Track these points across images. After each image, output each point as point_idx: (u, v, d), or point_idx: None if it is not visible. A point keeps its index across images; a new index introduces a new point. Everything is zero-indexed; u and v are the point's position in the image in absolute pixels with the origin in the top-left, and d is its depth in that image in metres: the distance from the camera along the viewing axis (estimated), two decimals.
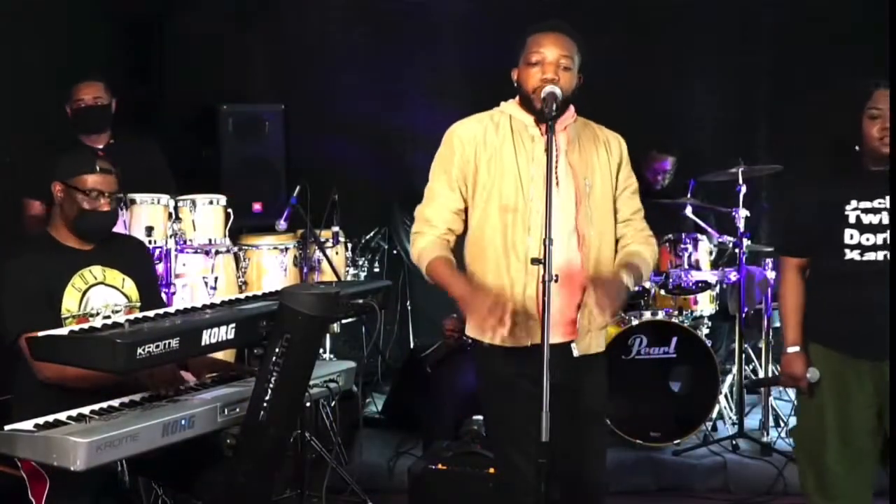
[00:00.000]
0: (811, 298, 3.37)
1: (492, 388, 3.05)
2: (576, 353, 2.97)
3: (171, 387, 3.03)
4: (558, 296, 2.84)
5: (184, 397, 2.99)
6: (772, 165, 5.68)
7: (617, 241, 3.08)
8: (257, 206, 5.64)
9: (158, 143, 5.08)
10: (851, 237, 3.20)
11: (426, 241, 3.00)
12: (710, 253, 5.47)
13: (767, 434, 5.13)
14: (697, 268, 5.35)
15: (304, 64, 6.55)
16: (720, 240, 5.45)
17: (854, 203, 3.21)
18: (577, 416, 2.99)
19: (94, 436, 2.54)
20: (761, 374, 5.36)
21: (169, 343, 2.55)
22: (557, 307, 2.85)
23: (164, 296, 3.94)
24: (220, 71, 6.33)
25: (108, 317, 3.22)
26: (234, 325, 2.71)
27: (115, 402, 2.91)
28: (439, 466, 4.13)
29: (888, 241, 3.17)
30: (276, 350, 2.72)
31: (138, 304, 3.37)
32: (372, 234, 5.92)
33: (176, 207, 4.65)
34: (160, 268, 4.38)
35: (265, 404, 2.74)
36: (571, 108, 3.02)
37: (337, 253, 5.17)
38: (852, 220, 3.21)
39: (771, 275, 5.26)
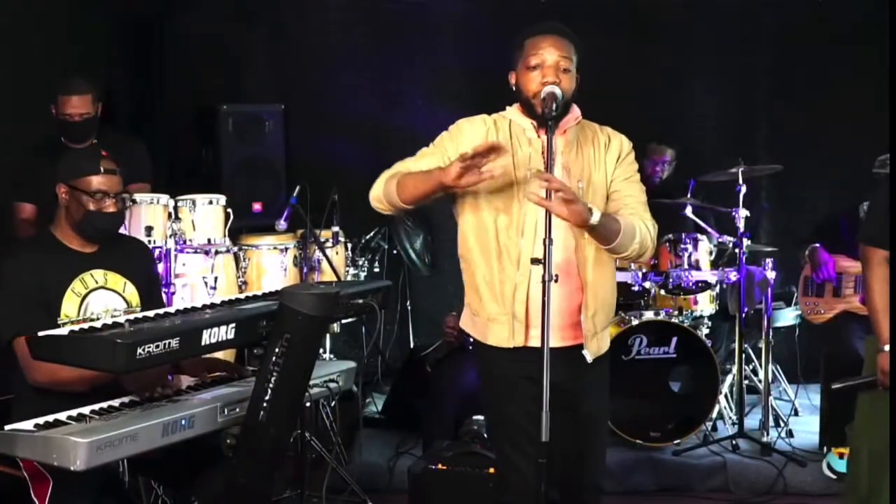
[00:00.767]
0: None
1: (492, 387, 3.05)
2: (589, 359, 2.97)
3: (155, 390, 3.01)
4: (557, 298, 2.83)
5: (184, 397, 2.99)
6: (772, 165, 5.68)
7: None
8: (257, 206, 5.63)
9: (155, 142, 5.07)
10: None
11: (389, 171, 3.00)
12: (710, 253, 5.47)
13: (767, 434, 5.13)
14: (697, 268, 5.34)
15: (304, 64, 6.55)
16: (720, 240, 5.45)
17: None
18: (580, 418, 2.99)
19: (94, 436, 2.53)
20: (761, 375, 5.36)
21: (169, 343, 2.54)
22: (557, 310, 2.85)
23: (164, 298, 3.91)
24: (220, 71, 6.33)
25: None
26: (234, 325, 2.71)
27: (115, 402, 2.91)
28: (439, 466, 4.13)
29: None
30: (276, 350, 2.72)
31: (138, 310, 3.35)
32: (372, 234, 5.92)
33: (176, 207, 4.65)
34: (160, 268, 4.38)
35: (265, 404, 2.74)
36: (576, 109, 3.01)
37: (337, 253, 5.17)
38: None
39: (771, 275, 5.27)
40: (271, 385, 2.73)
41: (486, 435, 4.38)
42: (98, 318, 3.19)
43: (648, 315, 5.25)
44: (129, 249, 3.46)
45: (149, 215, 4.49)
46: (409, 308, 6.61)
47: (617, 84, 6.25)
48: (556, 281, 2.69)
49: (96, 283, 3.27)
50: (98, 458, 2.53)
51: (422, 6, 6.61)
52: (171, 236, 4.56)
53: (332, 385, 3.28)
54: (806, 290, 5.36)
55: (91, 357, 2.51)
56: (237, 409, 2.90)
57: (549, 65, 2.89)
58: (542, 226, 2.77)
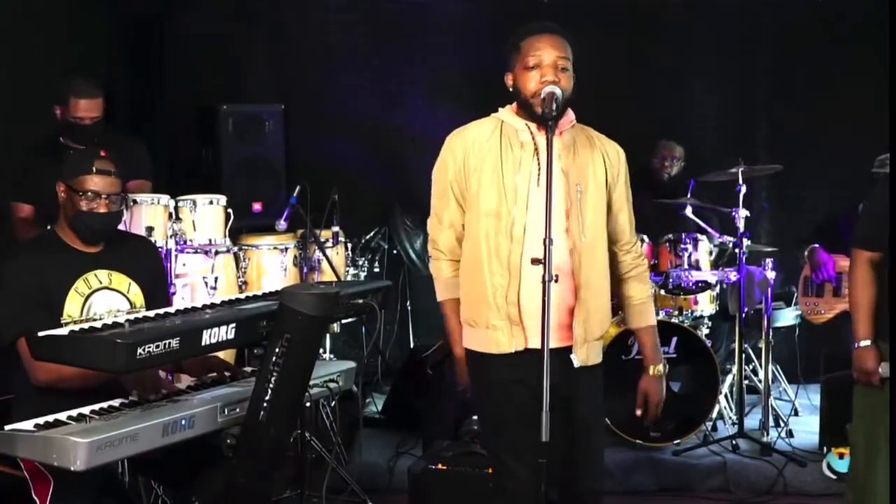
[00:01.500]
0: (882, 294, 3.30)
1: (485, 394, 3.04)
2: (576, 364, 2.96)
3: (153, 392, 3.01)
4: (552, 298, 2.83)
5: (184, 397, 2.99)
6: (772, 165, 5.68)
7: (613, 263, 3.09)
8: (257, 206, 5.63)
9: (155, 142, 5.06)
10: None
11: (444, 271, 3.13)
12: (710, 253, 5.47)
13: (767, 434, 5.13)
14: (697, 268, 5.34)
15: (304, 64, 6.55)
16: (720, 240, 5.45)
17: None
18: (572, 424, 2.98)
19: (94, 436, 2.54)
20: (761, 375, 5.36)
21: (169, 343, 2.54)
22: (554, 309, 2.84)
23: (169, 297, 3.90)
24: (220, 71, 6.32)
25: None
26: (234, 325, 2.71)
27: (116, 402, 2.91)
28: (439, 466, 4.13)
29: None
30: (276, 350, 2.72)
31: (142, 311, 3.34)
32: (372, 234, 5.92)
33: (176, 207, 4.64)
34: None
35: (265, 404, 2.74)
36: (570, 112, 3.01)
37: (337, 253, 5.17)
38: None
39: (771, 275, 5.26)
40: (271, 385, 2.73)
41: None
42: (100, 319, 3.18)
43: None
44: (135, 249, 3.45)
45: (149, 216, 4.49)
46: (409, 308, 6.61)
47: (617, 84, 6.26)
48: (556, 281, 2.69)
49: (100, 283, 3.26)
50: (98, 458, 2.53)
51: (422, 6, 6.61)
52: (171, 236, 4.55)
53: (332, 385, 3.29)
54: (806, 290, 5.37)
55: (91, 357, 2.51)
56: (237, 409, 2.90)
57: (547, 64, 2.89)
58: (533, 229, 2.79)
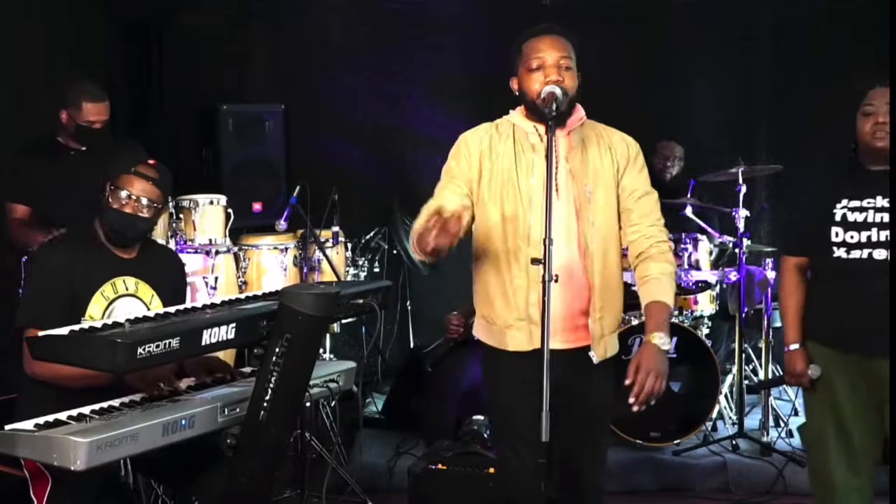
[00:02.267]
0: (809, 297, 3.42)
1: (495, 389, 3.07)
2: (595, 360, 2.96)
3: (162, 388, 3.01)
4: (562, 301, 2.86)
5: (184, 397, 2.99)
6: (772, 165, 5.68)
7: (629, 245, 3.05)
8: (257, 206, 5.63)
9: (156, 143, 5.05)
10: (837, 235, 3.25)
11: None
12: (710, 253, 5.47)
13: (767, 434, 5.13)
14: (697, 268, 5.35)
15: (304, 64, 6.55)
16: (720, 240, 5.45)
17: (845, 202, 3.26)
18: (582, 420, 2.99)
19: (95, 436, 2.54)
20: (761, 375, 5.37)
21: (169, 343, 2.55)
22: (561, 313, 2.88)
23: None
24: (220, 71, 6.32)
25: None
26: (234, 325, 2.71)
27: (116, 402, 2.91)
28: (439, 466, 4.13)
29: (872, 240, 3.20)
30: (276, 350, 2.72)
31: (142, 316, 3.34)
32: (372, 234, 5.92)
33: (176, 207, 4.64)
34: None
35: (265, 404, 2.74)
36: (580, 110, 3.01)
37: (337, 253, 5.17)
38: (838, 217, 3.25)
39: (771, 275, 5.26)
40: (271, 385, 2.73)
41: (486, 435, 4.39)
42: None
43: None
44: (164, 262, 3.48)
45: None
46: (409, 308, 6.61)
47: (617, 84, 6.25)
48: (556, 281, 2.69)
49: (126, 289, 3.27)
50: (98, 458, 2.53)
51: (422, 6, 6.61)
52: (171, 236, 4.56)
53: (332, 385, 3.29)
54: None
55: (91, 357, 2.51)
56: (237, 409, 2.91)
57: (549, 64, 2.90)
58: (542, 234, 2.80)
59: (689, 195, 5.55)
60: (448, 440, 4.47)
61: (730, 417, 5.39)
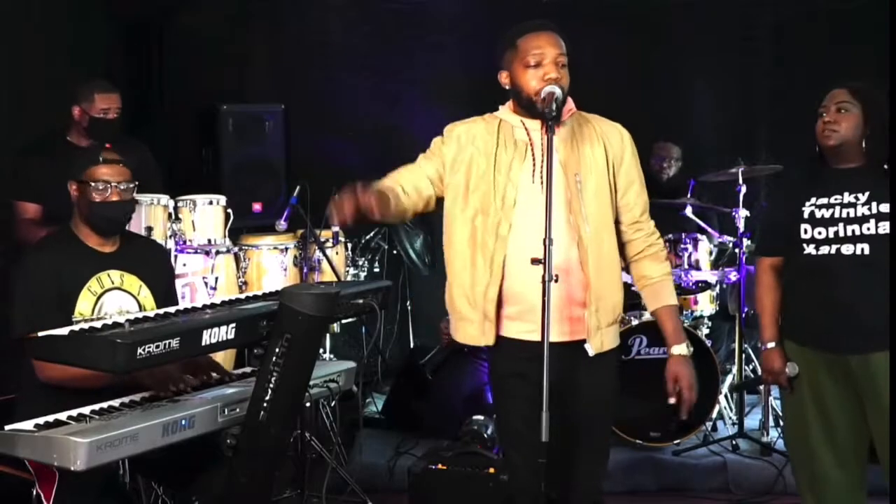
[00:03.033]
0: (784, 296, 3.45)
1: (495, 386, 3.09)
2: (591, 353, 2.95)
3: (173, 386, 3.02)
4: (556, 293, 2.83)
5: (184, 397, 2.99)
6: (772, 165, 5.68)
7: (624, 244, 3.05)
8: (257, 206, 5.63)
9: (156, 143, 5.05)
10: (805, 231, 3.28)
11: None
12: (710, 253, 5.47)
13: (767, 434, 5.13)
14: (697, 268, 5.35)
15: (304, 64, 6.55)
16: (720, 240, 5.45)
17: (813, 199, 3.30)
18: (578, 417, 2.97)
19: (95, 436, 2.54)
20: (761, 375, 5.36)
21: (169, 343, 2.55)
22: (556, 305, 2.84)
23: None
24: (220, 71, 6.33)
25: None
26: (234, 325, 2.71)
27: (116, 402, 2.92)
28: (439, 466, 4.13)
29: (840, 235, 3.23)
30: (276, 350, 2.72)
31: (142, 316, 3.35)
32: (372, 234, 5.93)
33: (176, 207, 4.64)
34: None
35: (265, 404, 2.75)
36: (570, 101, 3.00)
37: (337, 253, 5.17)
38: (806, 214, 3.29)
39: None
40: (271, 385, 2.73)
41: (486, 435, 4.39)
42: (110, 318, 3.18)
43: (648, 315, 5.24)
44: (147, 251, 3.50)
45: (149, 216, 4.49)
46: (409, 308, 6.61)
47: (617, 84, 6.25)
48: (556, 281, 2.69)
49: (112, 283, 3.28)
50: (98, 458, 2.53)
51: (422, 6, 6.61)
52: (171, 236, 4.56)
53: (332, 385, 3.29)
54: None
55: (91, 357, 2.51)
56: (237, 409, 2.91)
57: (549, 61, 2.88)
58: (522, 228, 2.84)
59: (688, 195, 5.55)
60: (448, 440, 4.47)
61: (730, 417, 5.39)
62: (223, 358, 4.22)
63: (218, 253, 4.72)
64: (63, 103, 4.55)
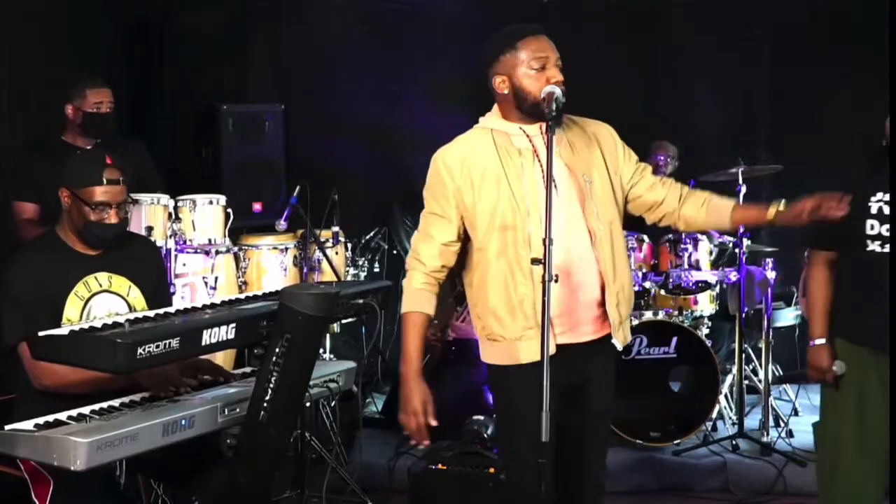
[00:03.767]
0: (837, 292, 3.37)
1: (507, 398, 3.00)
2: (619, 347, 2.97)
3: (172, 386, 3.02)
4: (578, 294, 2.87)
5: (184, 397, 2.99)
6: (772, 165, 5.67)
7: (661, 205, 3.13)
8: (257, 206, 5.64)
9: (155, 143, 5.06)
10: (872, 227, 3.22)
11: (415, 281, 2.96)
12: (710, 253, 5.47)
13: (767, 434, 5.13)
14: (697, 268, 5.34)
15: (304, 64, 6.55)
16: (720, 240, 5.45)
17: (880, 195, 3.24)
18: (597, 415, 3.00)
19: (94, 436, 2.54)
20: (762, 375, 5.36)
21: (169, 343, 2.55)
22: (578, 306, 2.88)
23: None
24: (220, 71, 6.33)
25: None
26: (234, 325, 2.71)
27: (116, 402, 2.91)
28: (439, 466, 4.13)
29: None
30: (276, 350, 2.72)
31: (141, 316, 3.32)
32: (372, 234, 5.92)
33: (176, 207, 4.64)
34: None
35: (265, 404, 2.74)
36: None
37: (337, 253, 5.17)
38: (874, 210, 3.22)
39: (771, 275, 5.26)
40: (271, 385, 2.73)
41: (486, 435, 4.38)
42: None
43: (648, 315, 5.26)
44: (136, 250, 3.40)
45: (149, 215, 4.49)
46: None
47: (617, 84, 6.25)
48: (556, 281, 2.68)
49: (100, 286, 3.24)
50: (98, 458, 2.53)
51: (422, 6, 6.61)
52: (171, 236, 4.56)
53: (332, 385, 3.29)
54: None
55: (91, 357, 2.51)
56: (237, 409, 2.91)
57: (552, 64, 2.88)
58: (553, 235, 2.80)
59: None
60: (448, 440, 4.47)
61: (730, 417, 5.39)
62: (223, 358, 4.22)
63: (218, 253, 4.72)
64: (63, 103, 4.56)
